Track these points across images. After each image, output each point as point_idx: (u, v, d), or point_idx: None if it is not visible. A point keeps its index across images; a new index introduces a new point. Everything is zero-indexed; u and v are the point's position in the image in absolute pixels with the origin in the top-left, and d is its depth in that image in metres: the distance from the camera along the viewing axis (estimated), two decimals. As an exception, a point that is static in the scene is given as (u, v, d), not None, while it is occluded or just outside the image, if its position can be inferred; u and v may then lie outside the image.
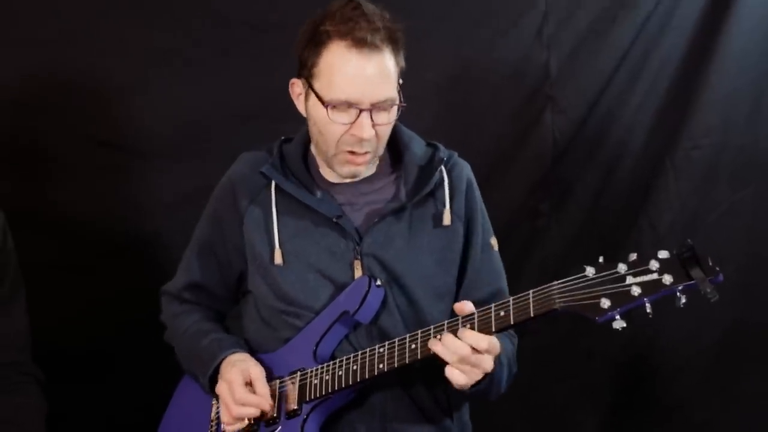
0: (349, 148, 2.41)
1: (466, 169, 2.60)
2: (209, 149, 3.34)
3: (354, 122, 2.35)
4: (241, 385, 2.41)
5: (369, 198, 2.53)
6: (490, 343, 2.19)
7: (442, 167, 2.53)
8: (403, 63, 2.41)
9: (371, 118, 2.35)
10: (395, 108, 2.40)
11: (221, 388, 2.45)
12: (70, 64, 3.26)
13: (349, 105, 2.34)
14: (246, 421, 2.45)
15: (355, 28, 2.30)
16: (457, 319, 2.22)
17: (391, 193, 2.53)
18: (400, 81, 2.42)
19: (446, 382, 2.24)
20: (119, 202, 3.37)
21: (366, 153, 2.42)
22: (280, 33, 3.28)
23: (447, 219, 2.50)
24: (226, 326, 2.73)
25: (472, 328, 2.19)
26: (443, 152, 2.58)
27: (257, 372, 2.44)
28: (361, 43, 2.30)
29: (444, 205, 2.51)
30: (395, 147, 2.57)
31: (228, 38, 3.34)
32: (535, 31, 3.55)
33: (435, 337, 2.23)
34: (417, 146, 2.57)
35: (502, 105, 3.59)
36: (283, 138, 2.63)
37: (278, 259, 2.48)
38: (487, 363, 2.21)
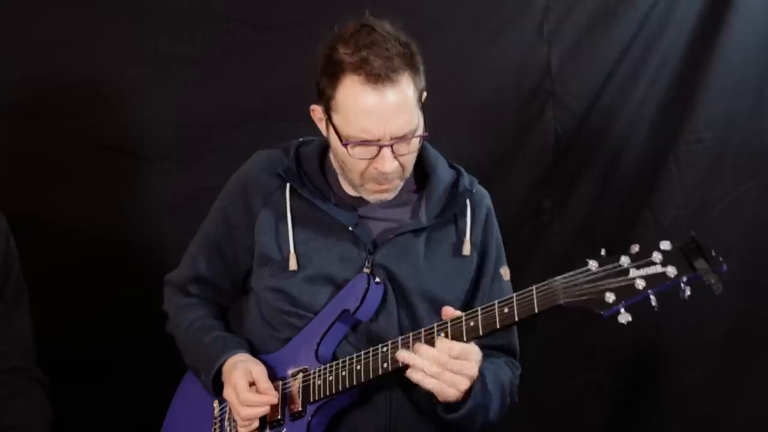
0: (375, 180, 2.37)
1: (486, 199, 2.59)
2: (211, 150, 3.33)
3: (375, 157, 2.31)
4: (246, 387, 2.40)
5: (388, 213, 2.50)
6: (463, 348, 2.18)
7: (467, 199, 2.51)
8: (423, 83, 2.35)
9: (392, 150, 2.31)
10: (417, 139, 2.35)
11: (228, 393, 2.44)
12: (72, 67, 3.26)
13: (368, 142, 2.30)
14: (257, 422, 2.44)
15: (369, 59, 2.23)
16: (461, 317, 2.21)
17: (410, 209, 2.52)
18: (424, 98, 2.38)
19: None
20: (122, 204, 3.36)
21: (392, 181, 2.39)
22: (281, 33, 3.30)
23: (467, 249, 2.48)
24: (228, 322, 2.72)
25: (476, 325, 2.17)
26: (467, 179, 2.55)
27: (258, 371, 2.43)
28: (375, 79, 2.23)
29: (465, 235, 2.49)
30: (419, 164, 2.52)
31: (228, 39, 3.34)
32: (535, 27, 3.55)
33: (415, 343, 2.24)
34: (442, 169, 2.54)
35: (503, 102, 3.59)
36: (301, 140, 2.58)
37: (293, 265, 2.45)
38: (468, 368, 2.20)
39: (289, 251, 2.46)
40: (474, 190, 2.54)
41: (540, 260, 3.65)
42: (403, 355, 2.22)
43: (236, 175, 2.62)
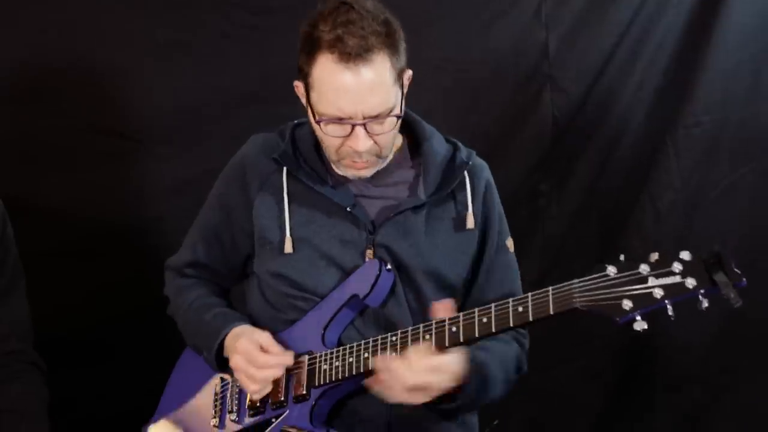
0: (349, 158, 2.37)
1: (485, 171, 2.58)
2: (209, 134, 3.33)
3: (349, 135, 2.32)
4: (257, 350, 2.39)
5: (384, 191, 2.49)
6: (436, 364, 2.20)
7: (465, 172, 2.50)
8: (403, 61, 2.33)
9: (366, 130, 2.31)
10: (393, 119, 2.34)
11: (235, 361, 2.42)
12: (69, 51, 3.25)
13: (341, 120, 2.30)
14: (272, 385, 2.42)
15: (343, 38, 2.22)
16: (473, 311, 2.20)
17: (408, 187, 2.50)
18: (407, 75, 2.37)
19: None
20: (120, 188, 3.36)
21: (367, 161, 2.39)
22: (278, 16, 3.29)
23: (470, 223, 2.48)
24: (230, 300, 2.72)
25: (489, 322, 2.17)
26: (464, 152, 2.54)
27: (266, 337, 2.41)
28: (347, 58, 2.23)
29: (466, 208, 2.48)
30: (414, 139, 2.53)
31: (226, 22, 3.33)
32: (533, 11, 3.54)
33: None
34: (438, 143, 2.53)
35: (501, 85, 3.59)
36: (296, 122, 2.58)
37: (288, 248, 2.45)
38: (438, 384, 2.22)
39: (285, 234, 2.46)
40: (471, 162, 2.53)
41: (538, 244, 3.64)
42: (379, 364, 2.24)
43: (233, 159, 2.61)
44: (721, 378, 3.70)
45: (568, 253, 3.60)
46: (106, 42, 3.25)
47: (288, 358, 2.39)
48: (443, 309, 2.28)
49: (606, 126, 3.61)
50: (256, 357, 2.38)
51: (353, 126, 2.29)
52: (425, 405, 2.32)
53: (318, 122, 2.32)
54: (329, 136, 2.34)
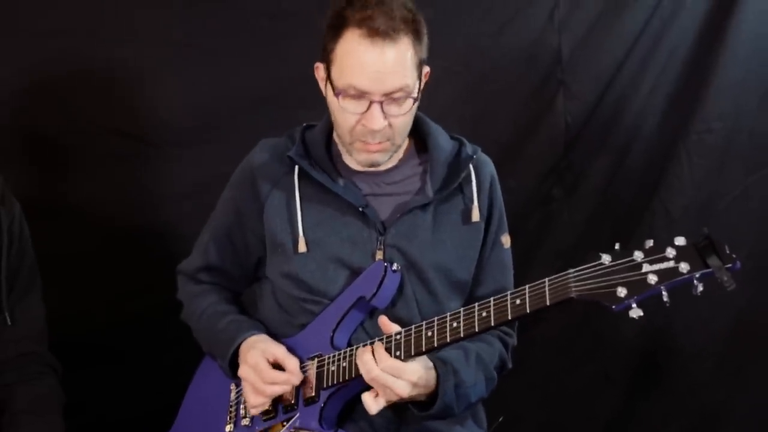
0: (363, 138, 2.39)
1: (489, 166, 2.61)
2: (222, 138, 3.33)
3: (365, 113, 2.34)
4: (267, 365, 2.41)
5: (392, 189, 2.53)
6: (392, 366, 2.24)
7: (471, 166, 2.53)
8: (424, 54, 2.39)
9: (382, 109, 2.34)
10: (410, 101, 2.37)
11: (245, 372, 2.45)
12: (84, 53, 3.25)
13: (359, 95, 2.33)
14: (269, 403, 2.45)
15: (372, 16, 2.27)
16: (473, 307, 2.21)
17: (416, 185, 2.53)
18: (425, 71, 2.43)
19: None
20: (133, 191, 3.37)
21: (380, 143, 2.41)
22: (293, 20, 3.30)
23: (476, 215, 2.50)
24: (242, 304, 2.74)
25: (488, 316, 2.18)
26: (470, 148, 2.57)
27: (281, 350, 2.44)
28: (374, 33, 2.27)
29: (472, 202, 2.51)
30: (419, 137, 2.56)
31: (241, 26, 3.33)
32: (546, 16, 3.54)
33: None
34: (443, 140, 2.56)
35: (513, 90, 3.58)
36: (305, 125, 2.61)
37: (302, 247, 2.47)
38: (395, 386, 2.25)
39: (298, 234, 2.48)
40: (476, 156, 2.56)
41: (550, 249, 3.64)
42: (359, 355, 2.30)
43: (243, 164, 2.63)
44: (734, 382, 3.69)
45: (580, 258, 3.60)
46: (120, 44, 3.26)
47: (296, 378, 2.42)
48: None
49: (618, 132, 3.60)
50: (263, 372, 2.41)
51: (370, 103, 2.32)
52: (406, 411, 2.38)
53: (336, 95, 2.35)
54: (346, 112, 2.36)
